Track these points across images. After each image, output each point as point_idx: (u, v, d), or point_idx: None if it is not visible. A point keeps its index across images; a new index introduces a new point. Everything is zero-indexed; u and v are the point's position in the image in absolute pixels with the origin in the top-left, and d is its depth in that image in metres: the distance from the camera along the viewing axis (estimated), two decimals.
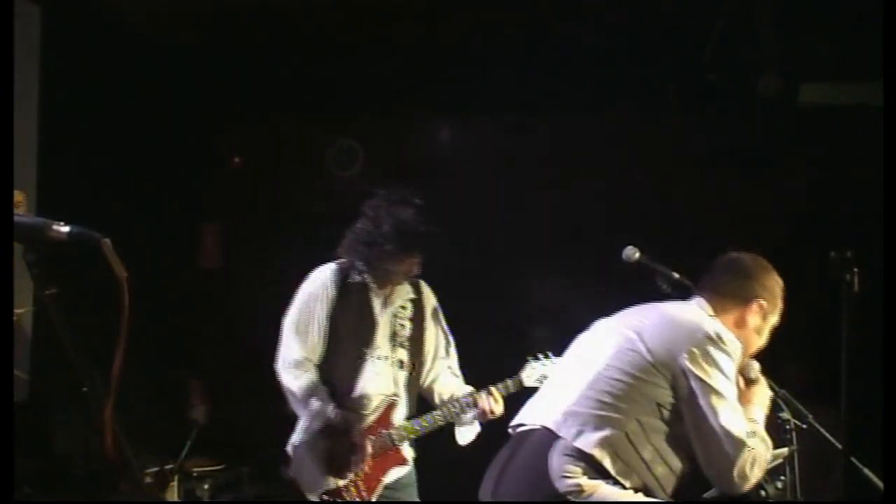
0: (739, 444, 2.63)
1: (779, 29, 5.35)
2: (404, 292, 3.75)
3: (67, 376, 1.54)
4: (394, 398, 3.64)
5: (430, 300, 3.81)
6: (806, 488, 2.90)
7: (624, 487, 2.63)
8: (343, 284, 3.67)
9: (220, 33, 5.98)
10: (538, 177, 6.10)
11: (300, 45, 6.06)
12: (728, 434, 2.62)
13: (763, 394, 2.88)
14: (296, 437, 3.66)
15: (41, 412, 4.74)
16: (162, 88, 5.81)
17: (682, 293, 2.99)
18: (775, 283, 2.92)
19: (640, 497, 2.64)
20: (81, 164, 5.15)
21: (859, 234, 3.15)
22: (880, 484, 2.69)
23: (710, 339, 2.70)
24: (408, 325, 3.72)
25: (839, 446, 2.78)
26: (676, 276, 3.03)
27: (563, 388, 2.84)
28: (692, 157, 5.89)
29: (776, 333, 2.96)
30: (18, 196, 3.27)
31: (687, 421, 2.68)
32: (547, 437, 2.71)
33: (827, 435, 2.95)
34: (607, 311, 3.01)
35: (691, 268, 2.96)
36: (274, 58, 6.17)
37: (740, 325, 2.86)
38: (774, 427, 2.91)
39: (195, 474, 4.88)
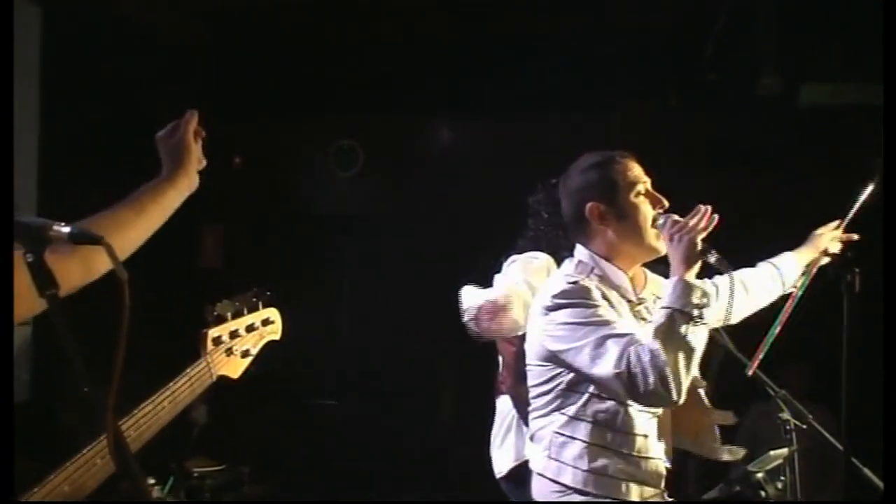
0: (612, 369, 2.34)
1: (779, 29, 5.36)
2: None
3: (67, 376, 1.54)
4: None
5: None
6: (806, 488, 2.90)
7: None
8: None
9: (220, 34, 5.99)
10: (539, 176, 6.09)
11: (301, 45, 6.07)
12: (601, 375, 2.38)
13: (675, 251, 2.60)
14: None
15: (41, 412, 4.75)
16: (162, 88, 5.80)
17: None
18: (593, 171, 2.73)
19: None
20: (81, 165, 5.15)
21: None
22: (880, 484, 2.69)
23: (546, 308, 2.51)
24: None
25: (839, 446, 2.78)
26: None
27: None
28: (691, 157, 5.89)
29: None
30: None
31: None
32: None
33: (827, 435, 2.95)
34: None
35: None
36: (274, 58, 6.17)
37: (598, 238, 2.67)
38: (774, 427, 2.91)
39: (195, 474, 4.88)
